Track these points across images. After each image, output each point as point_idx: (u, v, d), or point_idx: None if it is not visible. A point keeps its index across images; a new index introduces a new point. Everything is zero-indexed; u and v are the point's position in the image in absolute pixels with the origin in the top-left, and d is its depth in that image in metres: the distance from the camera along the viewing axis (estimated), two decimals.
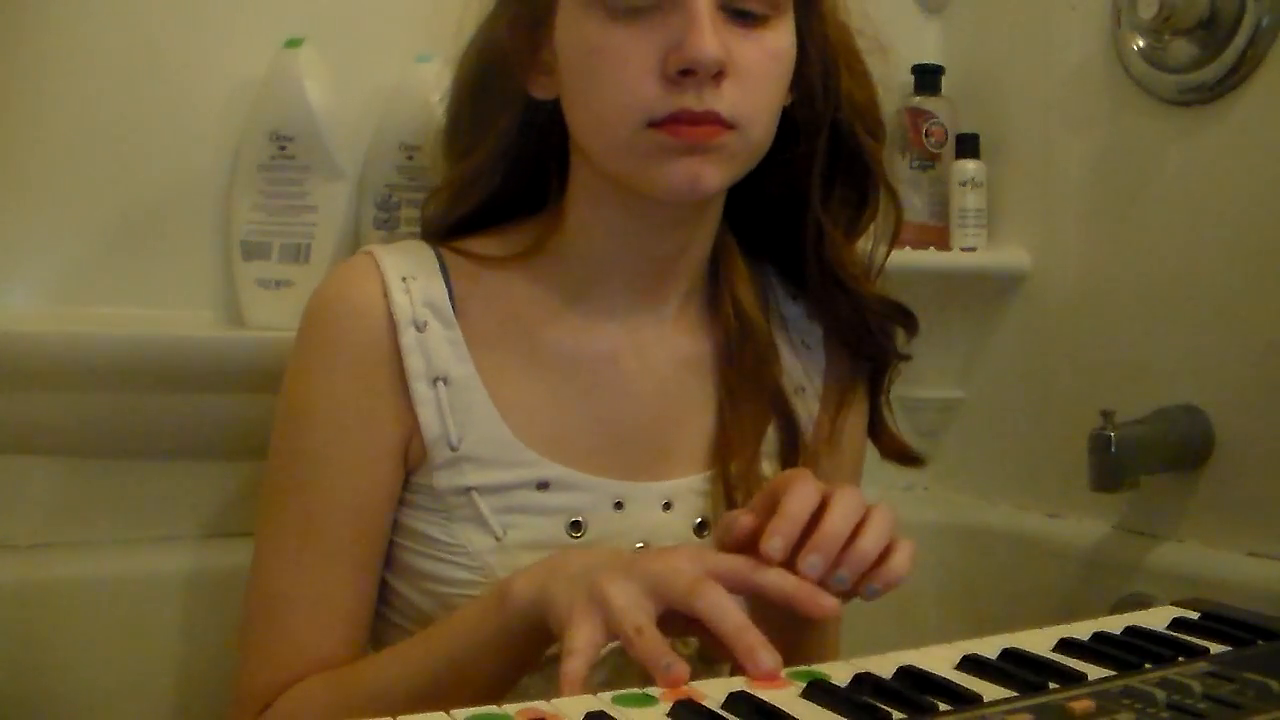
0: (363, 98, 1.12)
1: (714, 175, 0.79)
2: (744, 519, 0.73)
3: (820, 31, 0.85)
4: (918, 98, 1.41)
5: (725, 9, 0.78)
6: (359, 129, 1.11)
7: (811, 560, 0.68)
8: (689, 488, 0.87)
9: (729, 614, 0.65)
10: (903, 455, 0.98)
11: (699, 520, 0.87)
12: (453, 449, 0.82)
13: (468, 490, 0.82)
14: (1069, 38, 1.31)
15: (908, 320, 0.94)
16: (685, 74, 0.76)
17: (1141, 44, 1.22)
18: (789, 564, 0.69)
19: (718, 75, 0.76)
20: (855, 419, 0.96)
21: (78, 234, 1.06)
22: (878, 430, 0.98)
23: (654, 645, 0.63)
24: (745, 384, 0.90)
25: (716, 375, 0.90)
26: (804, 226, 0.89)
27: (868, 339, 0.93)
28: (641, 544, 0.85)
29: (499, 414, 0.83)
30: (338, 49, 1.10)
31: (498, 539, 0.81)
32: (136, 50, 1.07)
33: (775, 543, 0.69)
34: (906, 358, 0.96)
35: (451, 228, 0.90)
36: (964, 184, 1.37)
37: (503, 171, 0.88)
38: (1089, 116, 1.29)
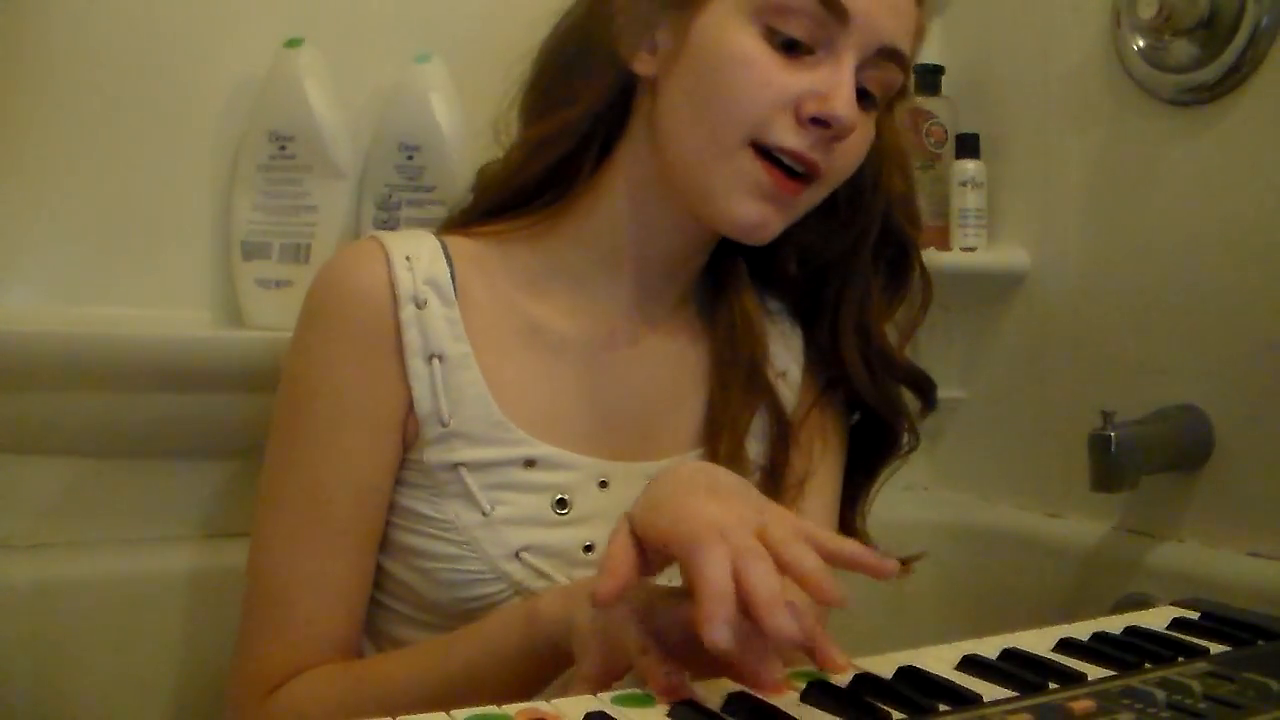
0: (363, 98, 1.12)
1: (778, 225, 0.83)
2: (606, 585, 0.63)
3: (882, 136, 0.89)
4: (918, 98, 1.41)
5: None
6: (359, 129, 1.11)
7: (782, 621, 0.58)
8: None
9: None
10: None
11: None
12: (444, 425, 0.83)
13: (456, 466, 0.83)
14: (1069, 38, 1.31)
15: (927, 390, 0.96)
16: (817, 123, 0.79)
17: (1141, 44, 1.22)
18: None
19: (839, 138, 0.80)
20: (831, 438, 0.96)
21: (77, 234, 1.06)
22: (851, 527, 0.97)
23: (654, 660, 0.62)
24: (737, 372, 0.91)
25: (709, 364, 0.92)
26: (844, 305, 0.92)
27: (875, 419, 0.95)
28: None
29: (490, 393, 0.84)
30: (338, 49, 1.10)
31: (485, 514, 0.83)
32: (137, 50, 1.07)
33: (723, 632, 0.57)
34: (911, 445, 0.97)
35: (515, 193, 0.90)
36: (964, 184, 1.37)
37: (582, 135, 0.88)
38: (1089, 116, 1.29)
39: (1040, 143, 1.35)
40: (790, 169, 0.80)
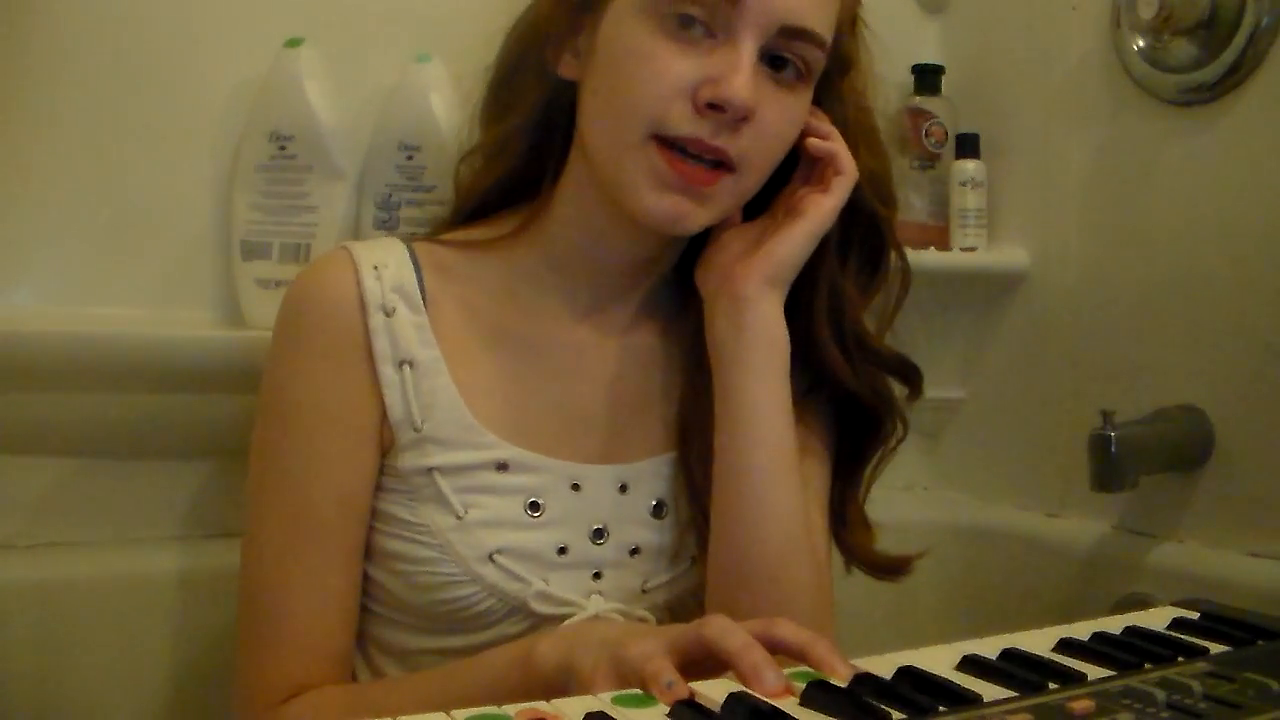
0: (363, 98, 1.12)
1: (699, 217, 0.82)
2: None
3: (840, 113, 0.88)
4: (918, 98, 1.41)
5: (765, 58, 0.80)
6: (359, 129, 1.11)
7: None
8: (647, 471, 0.89)
9: (733, 635, 0.64)
10: (873, 565, 0.93)
11: (654, 502, 0.89)
12: (416, 430, 0.84)
13: (430, 470, 0.84)
14: (1069, 38, 1.31)
15: (912, 376, 0.94)
16: (713, 108, 0.78)
17: (1141, 44, 1.22)
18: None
19: (741, 120, 0.79)
20: (812, 444, 0.93)
21: (78, 234, 1.06)
22: (844, 519, 0.93)
23: (659, 667, 0.62)
24: (709, 375, 0.89)
25: (680, 365, 0.92)
26: (816, 289, 0.88)
27: (859, 405, 0.91)
28: (599, 525, 0.87)
29: (461, 397, 0.85)
30: (338, 49, 1.10)
31: (459, 518, 0.83)
32: (137, 51, 1.07)
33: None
34: (900, 435, 0.93)
35: (479, 201, 0.92)
36: (964, 184, 1.37)
37: (531, 142, 0.89)
38: (1089, 116, 1.29)
39: (1040, 143, 1.35)
40: (699, 158, 0.80)
